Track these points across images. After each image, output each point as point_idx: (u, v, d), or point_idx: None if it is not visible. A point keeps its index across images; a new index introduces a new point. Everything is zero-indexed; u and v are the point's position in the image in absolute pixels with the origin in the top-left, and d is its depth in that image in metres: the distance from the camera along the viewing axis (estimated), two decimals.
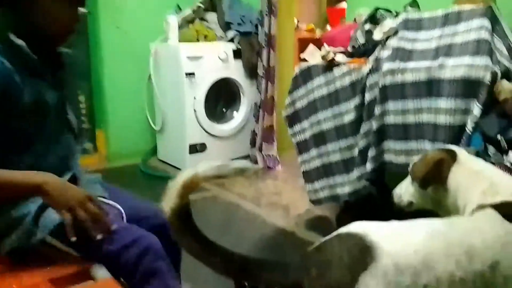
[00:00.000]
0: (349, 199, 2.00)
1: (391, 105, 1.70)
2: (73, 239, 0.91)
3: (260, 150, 3.19)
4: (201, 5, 3.29)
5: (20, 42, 0.99)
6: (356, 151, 1.89)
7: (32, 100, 0.99)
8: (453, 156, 1.00)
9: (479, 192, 0.91)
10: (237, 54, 3.16)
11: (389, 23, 1.87)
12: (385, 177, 1.82)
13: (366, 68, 1.82)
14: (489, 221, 0.82)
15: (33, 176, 0.94)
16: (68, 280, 0.92)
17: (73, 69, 1.19)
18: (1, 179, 0.92)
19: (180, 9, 3.37)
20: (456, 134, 1.51)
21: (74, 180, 1.10)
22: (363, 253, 0.71)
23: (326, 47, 2.06)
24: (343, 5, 3.57)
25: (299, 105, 2.15)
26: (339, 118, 1.96)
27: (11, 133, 0.98)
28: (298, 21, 3.68)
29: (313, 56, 2.17)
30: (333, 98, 1.97)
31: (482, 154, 1.06)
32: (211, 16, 3.33)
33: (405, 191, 1.08)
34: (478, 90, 1.46)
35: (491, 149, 1.37)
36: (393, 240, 0.75)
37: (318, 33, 3.75)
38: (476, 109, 1.46)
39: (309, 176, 2.16)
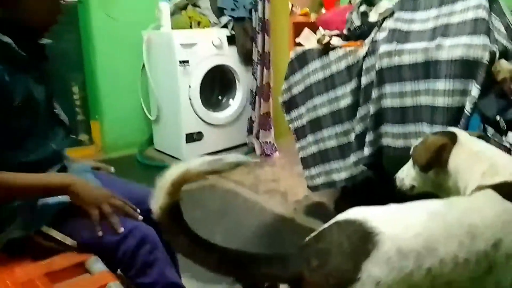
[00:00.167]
0: (346, 184, 2.00)
1: (388, 88, 1.68)
2: (100, 233, 0.97)
3: (257, 137, 3.17)
4: None
5: (6, 39, 0.96)
6: (352, 136, 1.87)
7: (23, 98, 0.98)
8: (453, 138, 0.99)
9: (479, 173, 0.90)
10: (231, 40, 3.11)
11: (385, 4, 1.84)
12: (383, 161, 1.80)
13: (362, 51, 1.80)
14: (488, 200, 0.81)
15: (61, 178, 1.02)
16: (64, 274, 0.91)
17: (62, 60, 1.16)
18: (30, 183, 0.98)
19: None
20: (454, 116, 1.49)
21: (63, 171, 1.08)
22: (364, 240, 0.70)
23: (321, 31, 2.03)
24: None
25: (295, 90, 2.12)
26: (334, 103, 1.94)
27: (3, 131, 0.97)
28: (292, 5, 3.62)
29: (309, 41, 2.14)
30: (329, 83, 1.95)
31: (485, 136, 1.05)
32: (204, 2, 3.27)
33: (406, 175, 1.08)
34: (476, 70, 1.44)
35: (490, 130, 1.36)
36: (394, 224, 0.73)
37: (313, 17, 3.70)
38: (475, 90, 1.44)
39: (306, 163, 2.15)
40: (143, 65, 3.20)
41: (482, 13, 1.53)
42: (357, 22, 1.99)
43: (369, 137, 1.76)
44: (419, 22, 1.71)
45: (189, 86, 2.99)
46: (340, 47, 1.91)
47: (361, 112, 1.81)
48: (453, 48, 1.50)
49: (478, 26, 1.51)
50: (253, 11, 3.04)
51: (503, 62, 1.42)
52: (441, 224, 0.74)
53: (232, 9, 3.17)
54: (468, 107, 1.45)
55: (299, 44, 2.15)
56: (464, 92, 1.48)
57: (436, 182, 1.02)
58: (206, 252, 0.74)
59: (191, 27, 3.16)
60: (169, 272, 1.00)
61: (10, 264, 0.94)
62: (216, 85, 3.35)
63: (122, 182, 1.24)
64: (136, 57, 3.20)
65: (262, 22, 2.97)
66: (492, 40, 1.49)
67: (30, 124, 1.02)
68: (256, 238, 2.02)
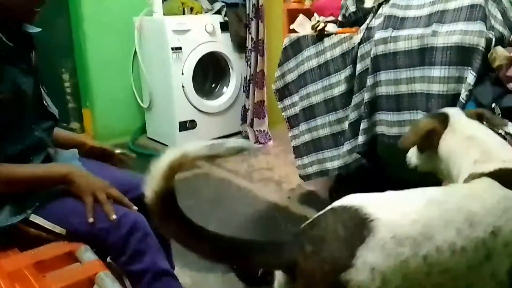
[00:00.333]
0: (340, 172, 1.99)
1: (383, 75, 1.66)
2: (91, 220, 0.96)
3: (252, 126, 3.15)
4: None
5: None
6: (346, 125, 1.86)
7: (10, 91, 0.95)
8: (445, 121, 0.97)
9: (471, 161, 0.90)
10: (224, 26, 3.07)
11: None
12: (377, 149, 1.80)
13: (357, 37, 1.77)
14: (487, 187, 0.80)
15: (59, 168, 1.03)
16: (53, 264, 0.89)
17: (52, 47, 1.13)
18: (30, 174, 0.99)
19: None
20: (449, 103, 1.48)
21: (48, 159, 1.06)
22: (359, 226, 0.69)
23: (316, 17, 2.00)
24: None
25: (289, 78, 2.10)
26: (329, 91, 1.93)
27: None
28: None
29: (303, 27, 2.11)
30: (323, 70, 1.93)
31: (486, 114, 1.01)
32: None
33: (411, 155, 1.12)
34: (472, 57, 1.43)
35: None
36: (390, 211, 0.72)
37: (307, 3, 3.63)
38: (470, 77, 1.43)
39: (299, 151, 2.14)
40: (135, 52, 3.15)
41: None
42: (352, 8, 1.96)
43: (363, 125, 1.75)
44: (414, 8, 1.69)
45: (182, 74, 2.95)
46: (335, 33, 1.88)
47: (355, 99, 1.79)
48: (449, 34, 1.48)
49: (475, 13, 1.49)
50: None
51: (499, 49, 1.41)
52: (438, 211, 0.73)
53: None
54: (463, 95, 1.44)
55: (294, 31, 2.13)
56: (460, 79, 1.47)
57: (431, 165, 1.02)
58: (199, 238, 0.72)
59: (183, 13, 3.10)
60: (160, 260, 0.99)
61: None
62: (210, 73, 3.31)
63: (110, 169, 1.22)
64: (128, 44, 3.15)
65: (256, 8, 2.92)
66: (489, 26, 1.47)
67: (17, 116, 0.99)
68: (250, 226, 2.02)
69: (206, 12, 3.17)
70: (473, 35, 1.44)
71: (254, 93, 3.08)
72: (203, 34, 2.98)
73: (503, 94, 1.36)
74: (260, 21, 2.95)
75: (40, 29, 1.09)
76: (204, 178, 2.57)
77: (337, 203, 0.76)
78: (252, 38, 3.00)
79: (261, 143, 3.10)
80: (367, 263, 0.66)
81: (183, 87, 2.97)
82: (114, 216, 0.96)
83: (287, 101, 2.14)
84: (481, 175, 0.84)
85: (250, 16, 2.96)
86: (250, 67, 3.06)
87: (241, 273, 1.58)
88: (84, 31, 3.07)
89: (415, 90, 1.60)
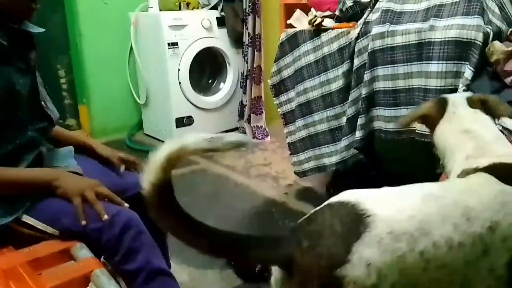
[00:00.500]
0: (338, 168, 1.98)
1: (380, 70, 1.66)
2: (83, 222, 0.94)
3: (249, 122, 3.14)
4: None
5: None
6: (343, 120, 1.85)
7: (2, 90, 0.94)
8: (444, 108, 0.97)
9: (463, 156, 0.89)
10: (221, 21, 3.05)
11: None
12: (374, 144, 1.79)
13: (354, 32, 1.76)
14: (484, 182, 0.79)
15: (43, 175, 1.00)
16: (48, 262, 0.88)
17: (47, 43, 1.11)
18: (14, 178, 0.96)
19: None
20: None
21: (40, 158, 1.05)
22: (355, 222, 0.68)
23: (313, 12, 1.98)
24: None
25: (285, 73, 2.09)
26: (326, 86, 1.92)
27: None
28: None
29: (300, 22, 2.09)
30: (321, 65, 1.92)
31: (489, 98, 0.98)
32: None
33: None
34: (470, 52, 1.42)
35: None
36: (386, 206, 0.72)
37: None
38: (468, 71, 1.42)
39: (295, 147, 2.13)
40: (131, 48, 3.13)
41: None
42: (349, 3, 1.95)
43: (360, 120, 1.74)
44: (412, 3, 1.68)
45: (179, 69, 2.93)
46: (332, 28, 1.87)
47: (353, 95, 1.78)
48: (446, 29, 1.48)
49: (472, 7, 1.48)
50: None
51: (497, 43, 1.40)
52: (435, 206, 0.73)
53: None
54: (461, 89, 1.43)
55: (291, 26, 2.11)
56: (457, 74, 1.46)
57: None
58: (197, 232, 0.71)
59: (180, 8, 3.08)
60: (155, 258, 0.97)
61: None
62: (206, 68, 3.30)
63: (106, 168, 1.20)
64: (124, 40, 3.13)
65: (253, 3, 2.90)
66: (486, 21, 1.47)
67: (8, 115, 0.98)
68: (248, 222, 2.02)
69: (202, 7, 3.15)
70: (470, 29, 1.43)
71: (251, 89, 3.07)
72: (200, 29, 2.96)
73: (500, 88, 1.36)
74: (257, 16, 2.93)
75: (43, 30, 1.08)
76: (202, 174, 2.57)
77: (334, 199, 0.76)
78: (249, 33, 2.98)
79: (258, 139, 3.09)
80: (363, 259, 0.65)
81: (179, 83, 2.96)
82: (106, 216, 0.94)
83: (283, 97, 2.13)
84: (476, 170, 0.83)
85: (247, 11, 2.94)
86: (247, 63, 3.05)
87: (239, 270, 1.58)
88: (79, 27, 3.05)
89: (412, 85, 1.59)
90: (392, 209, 0.71)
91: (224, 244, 0.73)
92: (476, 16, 1.45)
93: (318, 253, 0.67)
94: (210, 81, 3.33)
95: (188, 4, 3.11)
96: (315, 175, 2.16)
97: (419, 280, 0.69)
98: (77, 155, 1.16)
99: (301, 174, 2.15)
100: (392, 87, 1.65)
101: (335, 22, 1.93)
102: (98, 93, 3.20)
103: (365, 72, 1.69)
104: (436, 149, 0.99)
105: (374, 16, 1.73)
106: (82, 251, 0.91)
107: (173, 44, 2.87)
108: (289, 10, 2.54)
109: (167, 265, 1.08)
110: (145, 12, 3.02)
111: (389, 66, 1.63)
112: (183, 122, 3.03)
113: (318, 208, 0.76)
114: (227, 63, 3.18)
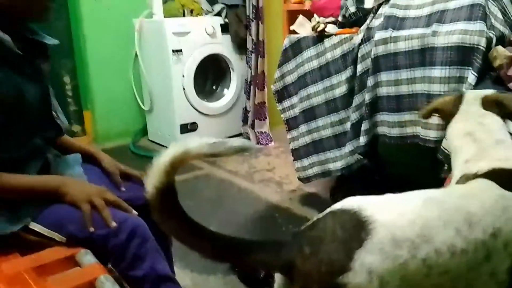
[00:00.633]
0: (342, 173, 1.98)
1: (383, 75, 1.66)
2: (92, 229, 0.94)
3: (252, 127, 3.15)
4: None
5: (2, 35, 0.92)
6: (348, 125, 1.85)
7: (11, 97, 0.94)
8: (459, 104, 0.95)
9: (462, 160, 0.88)
10: (225, 28, 3.07)
11: None
12: (378, 149, 1.79)
13: (357, 38, 1.77)
14: (485, 187, 0.79)
15: (50, 181, 1.00)
16: (53, 268, 0.89)
17: (52, 49, 1.12)
18: (22, 184, 0.96)
19: None
20: None
21: (47, 165, 1.06)
22: (357, 228, 0.68)
23: (316, 18, 1.99)
24: None
25: (288, 79, 2.10)
26: (330, 92, 1.92)
27: None
28: None
29: (303, 28, 2.10)
30: (324, 71, 1.92)
31: (502, 95, 0.95)
32: None
33: None
34: (473, 57, 1.42)
35: None
36: (388, 213, 0.72)
37: (307, 4, 3.62)
38: (471, 76, 1.42)
39: (298, 153, 2.12)
40: (136, 54, 3.15)
41: None
42: (352, 9, 1.96)
43: (364, 126, 1.74)
44: (414, 8, 1.68)
45: (183, 76, 2.95)
46: (335, 34, 1.88)
47: (356, 100, 1.79)
48: (449, 34, 1.48)
49: (475, 12, 1.48)
50: None
51: (500, 48, 1.40)
52: (437, 212, 0.72)
53: None
54: None
55: (294, 32, 2.12)
56: (461, 79, 1.46)
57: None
58: (199, 236, 0.72)
59: (184, 15, 3.11)
60: (160, 265, 0.98)
61: None
62: (210, 74, 3.31)
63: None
64: (128, 46, 3.15)
65: (256, 10, 2.92)
66: (489, 26, 1.47)
67: (17, 124, 0.98)
68: (251, 227, 2.02)
69: (206, 14, 3.17)
70: (473, 34, 1.43)
71: (254, 95, 3.08)
72: (204, 36, 2.98)
73: (503, 93, 1.35)
74: (260, 22, 2.95)
75: (58, 42, 1.09)
76: (205, 179, 2.57)
77: (336, 206, 0.76)
78: (252, 39, 3.00)
79: (262, 145, 3.10)
80: (365, 266, 0.65)
81: (183, 89, 2.97)
82: (114, 224, 0.94)
83: (286, 103, 2.14)
84: (475, 175, 0.83)
85: (250, 17, 2.96)
86: (250, 69, 3.06)
87: (242, 275, 1.58)
88: (83, 33, 3.08)
89: (415, 91, 1.59)
90: (393, 215, 0.71)
91: (225, 248, 0.73)
92: (478, 21, 1.45)
93: (319, 260, 0.67)
94: (214, 87, 3.34)
95: (192, 11, 3.13)
96: (320, 180, 2.16)
97: (421, 285, 0.69)
98: (84, 164, 1.17)
99: (305, 179, 2.15)
100: (395, 92, 1.65)
101: (338, 28, 1.93)
102: (102, 98, 3.22)
103: (368, 78, 1.69)
104: (441, 154, 0.99)
105: (377, 22, 1.74)
106: (87, 257, 0.91)
107: (177, 51, 2.89)
108: (292, 16, 2.56)
109: (171, 270, 1.08)
110: (149, 19, 3.05)
111: (392, 71, 1.63)
112: (187, 128, 3.05)
113: (320, 215, 0.76)
114: (231, 69, 3.19)
